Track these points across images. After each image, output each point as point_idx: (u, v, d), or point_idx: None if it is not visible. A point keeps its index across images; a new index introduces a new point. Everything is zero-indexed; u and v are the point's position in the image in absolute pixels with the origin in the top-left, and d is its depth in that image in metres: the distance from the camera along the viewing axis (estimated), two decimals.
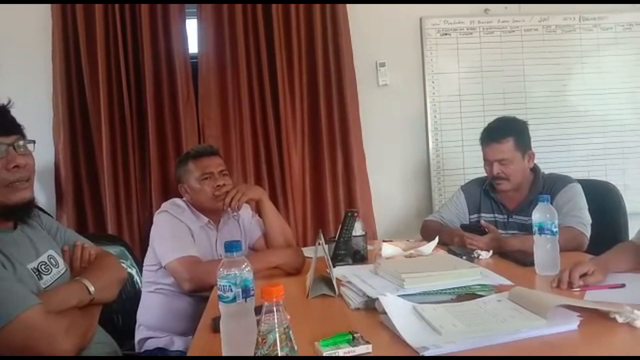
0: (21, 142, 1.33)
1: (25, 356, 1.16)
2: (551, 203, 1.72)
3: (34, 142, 1.38)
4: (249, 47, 2.84)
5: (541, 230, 1.66)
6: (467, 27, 3.11)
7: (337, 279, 1.55)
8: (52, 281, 1.37)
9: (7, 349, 1.14)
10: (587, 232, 2.06)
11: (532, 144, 2.29)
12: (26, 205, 1.36)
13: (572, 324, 1.13)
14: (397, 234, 2.88)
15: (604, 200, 2.36)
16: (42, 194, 2.72)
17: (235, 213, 2.23)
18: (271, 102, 2.85)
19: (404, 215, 3.10)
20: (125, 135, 2.76)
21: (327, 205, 2.92)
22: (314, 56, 2.89)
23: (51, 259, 1.42)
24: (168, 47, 2.78)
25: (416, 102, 3.11)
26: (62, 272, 1.43)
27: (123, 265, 1.81)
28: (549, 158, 2.93)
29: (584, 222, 2.07)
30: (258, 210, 2.30)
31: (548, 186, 2.21)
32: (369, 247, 2.07)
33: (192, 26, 2.86)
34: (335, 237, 2.00)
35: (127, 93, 2.74)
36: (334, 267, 1.67)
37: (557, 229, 1.65)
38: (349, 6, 2.95)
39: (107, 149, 2.70)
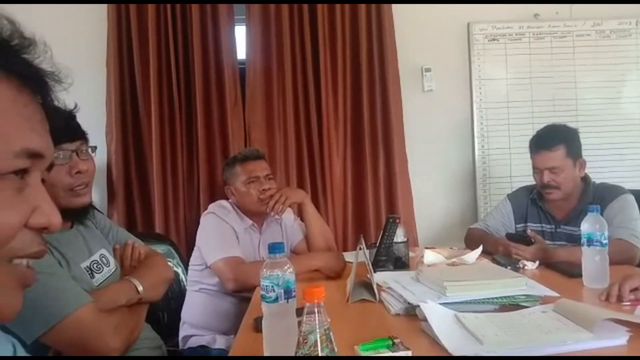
0: (84, 148, 1.38)
1: (72, 356, 1.21)
2: (601, 214, 1.67)
3: (95, 147, 1.44)
4: (295, 52, 2.87)
5: (590, 241, 1.61)
6: (516, 33, 3.05)
7: (377, 284, 1.56)
8: (103, 279, 1.42)
9: (58, 345, 1.19)
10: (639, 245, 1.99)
11: (583, 153, 2.22)
12: (85, 209, 1.42)
13: (620, 338, 1.10)
14: (438, 241, 2.85)
15: None
16: (95, 192, 2.76)
17: (278, 217, 2.26)
18: (314, 106, 2.88)
19: (447, 223, 3.06)
20: (174, 137, 2.84)
21: (368, 209, 2.92)
22: (358, 60, 2.91)
23: (103, 258, 1.48)
24: (217, 52, 2.85)
25: (462, 108, 3.07)
26: (112, 270, 1.49)
27: (169, 264, 1.86)
28: (600, 167, 2.83)
29: (636, 235, 1.99)
30: (300, 213, 2.32)
31: (598, 196, 2.14)
32: (411, 254, 2.06)
33: (240, 33, 2.92)
34: (376, 242, 2.00)
35: (177, 96, 2.83)
36: (374, 272, 1.67)
37: (606, 241, 1.60)
38: (394, 11, 2.94)
39: (156, 150, 2.79)
